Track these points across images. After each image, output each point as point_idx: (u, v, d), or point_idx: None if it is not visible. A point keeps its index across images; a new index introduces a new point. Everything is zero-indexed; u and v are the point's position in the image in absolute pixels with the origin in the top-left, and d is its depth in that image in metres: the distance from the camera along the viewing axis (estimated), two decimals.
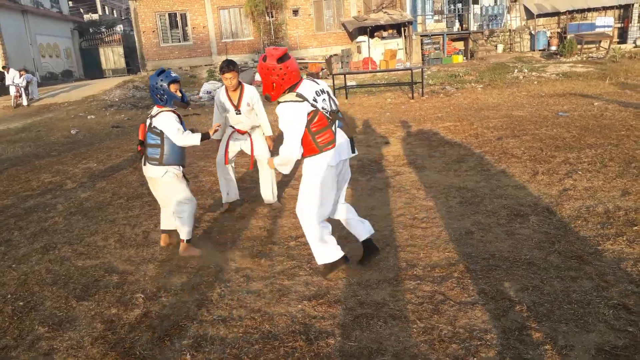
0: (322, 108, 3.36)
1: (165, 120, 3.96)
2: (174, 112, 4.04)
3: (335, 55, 23.00)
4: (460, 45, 23.75)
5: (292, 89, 3.32)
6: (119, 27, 32.44)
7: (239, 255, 4.11)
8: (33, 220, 5.52)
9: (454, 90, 14.83)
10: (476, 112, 10.33)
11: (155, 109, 4.09)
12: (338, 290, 3.37)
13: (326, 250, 3.54)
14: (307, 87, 3.36)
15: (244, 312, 3.19)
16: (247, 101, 4.95)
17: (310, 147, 3.35)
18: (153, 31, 23.87)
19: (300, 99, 3.26)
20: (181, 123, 4.05)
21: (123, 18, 40.77)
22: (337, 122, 3.48)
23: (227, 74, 4.77)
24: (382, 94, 15.33)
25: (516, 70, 17.72)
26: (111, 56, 31.02)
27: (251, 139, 5.16)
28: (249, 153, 5.20)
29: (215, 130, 4.31)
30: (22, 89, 18.82)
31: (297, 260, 3.92)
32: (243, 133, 5.15)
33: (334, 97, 3.57)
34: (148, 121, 4.09)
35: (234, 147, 5.21)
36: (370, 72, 18.15)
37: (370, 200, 5.26)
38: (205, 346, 2.83)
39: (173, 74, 4.00)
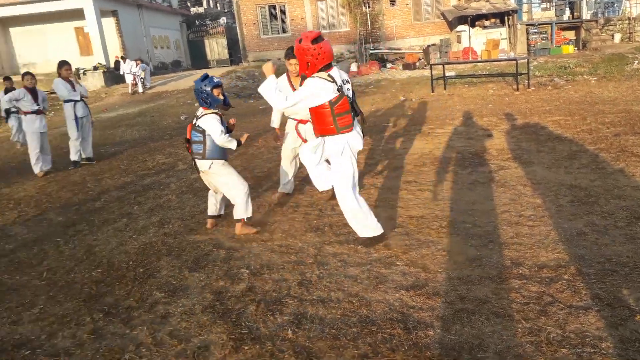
0: (347, 95, 3.69)
1: (209, 121, 4.28)
2: (217, 113, 4.34)
3: (433, 45, 22.39)
4: (570, 34, 22.05)
5: (325, 68, 3.62)
6: (223, 20, 34.00)
7: (336, 241, 4.19)
8: (150, 196, 6.03)
9: (563, 83, 13.84)
10: (589, 107, 9.57)
11: (200, 110, 4.40)
12: (437, 283, 3.33)
13: (367, 224, 3.91)
14: (337, 73, 3.69)
15: (342, 295, 3.26)
16: None
17: (329, 127, 3.70)
18: (254, 23, 24.78)
19: (331, 80, 3.59)
20: (222, 123, 4.34)
21: (226, 11, 42.65)
22: (355, 112, 3.81)
23: (292, 59, 4.75)
24: (483, 85, 14.70)
25: (636, 61, 16.12)
26: (215, 47, 32.69)
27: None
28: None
29: (248, 137, 4.49)
30: (138, 78, 20.47)
31: (394, 249, 3.92)
32: (305, 123, 5.00)
33: (353, 90, 3.90)
34: (194, 121, 4.41)
35: (305, 137, 5.02)
36: (471, 62, 17.48)
37: (471, 194, 5.10)
38: (306, 324, 2.94)
39: (216, 80, 4.30)
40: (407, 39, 23.82)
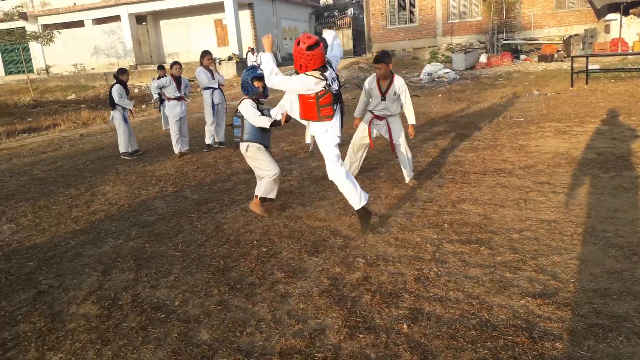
0: (333, 90, 4.13)
1: (244, 106, 4.80)
2: (252, 99, 4.84)
3: (575, 35, 20.45)
4: None
5: (320, 70, 4.04)
6: (350, 11, 34.30)
7: (456, 239, 4.04)
8: None
9: None
10: None
11: (240, 98, 4.94)
12: (568, 293, 3.06)
13: (360, 196, 4.26)
14: (330, 73, 4.12)
15: (461, 295, 3.13)
16: (394, 90, 5.41)
17: (312, 114, 4.18)
18: (382, 13, 24.65)
19: (322, 79, 4.02)
20: (258, 108, 4.82)
21: (354, 2, 42.99)
22: (338, 104, 4.26)
23: (378, 64, 5.31)
24: (633, 81, 13.11)
25: None
26: (341, 38, 33.07)
27: (389, 126, 5.58)
28: (387, 137, 5.67)
29: (286, 119, 4.64)
30: None
31: (521, 254, 3.67)
32: (381, 119, 5.59)
33: (339, 82, 4.32)
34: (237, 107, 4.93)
35: (373, 133, 5.66)
36: (621, 54, 15.65)
37: (613, 200, 4.59)
38: (422, 320, 2.87)
39: (258, 72, 4.81)
40: (546, 29, 22.04)
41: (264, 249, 4.15)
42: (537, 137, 7.62)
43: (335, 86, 4.20)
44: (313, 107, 4.15)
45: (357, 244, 4.11)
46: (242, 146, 4.93)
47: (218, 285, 3.55)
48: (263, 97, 4.93)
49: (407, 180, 5.71)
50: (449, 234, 4.16)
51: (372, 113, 5.61)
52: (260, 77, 4.73)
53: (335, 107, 4.23)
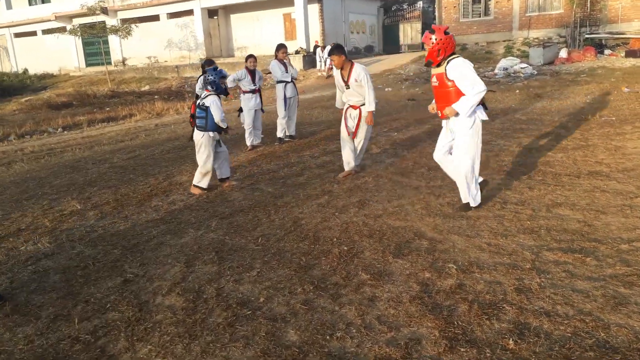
0: None
1: (214, 102, 5.56)
2: (217, 95, 5.66)
3: None
4: None
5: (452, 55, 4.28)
6: (419, 4, 33.50)
7: (556, 247, 3.70)
8: (347, 177, 6.16)
9: None
10: None
11: (204, 93, 5.71)
12: None
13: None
14: None
15: (572, 311, 2.83)
16: (354, 77, 5.75)
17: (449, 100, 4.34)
18: (454, 6, 23.83)
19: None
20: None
21: None
22: None
23: (330, 57, 5.85)
24: None
25: None
26: (409, 32, 32.51)
27: (360, 115, 5.93)
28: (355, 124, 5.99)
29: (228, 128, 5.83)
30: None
31: (634, 267, 3.30)
32: (355, 108, 5.93)
33: None
34: (198, 101, 5.72)
35: (350, 122, 6.03)
36: None
37: None
38: (530, 336, 2.61)
39: (223, 72, 5.75)
40: (635, 22, 20.41)
41: (345, 248, 4.00)
42: (633, 137, 7.00)
43: None
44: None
45: (445, 247, 3.87)
46: (199, 134, 5.68)
47: (302, 283, 3.44)
48: (225, 94, 5.81)
49: (347, 168, 6.15)
50: (547, 240, 3.83)
51: (347, 104, 6.01)
52: (225, 76, 5.74)
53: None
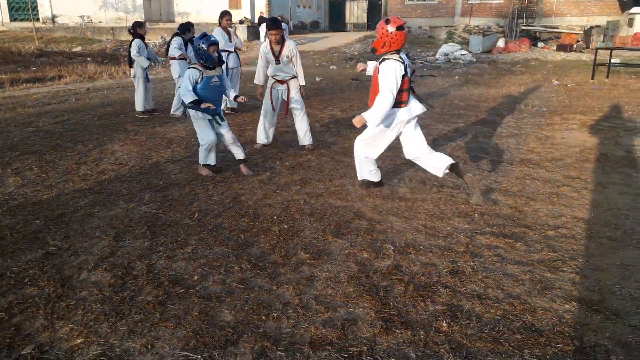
0: (409, 75, 4.24)
1: (187, 73, 4.92)
2: (197, 69, 4.92)
3: (597, 26, 19.97)
4: None
5: (397, 52, 4.18)
6: None
7: (489, 231, 3.83)
8: (290, 154, 6.08)
9: None
10: None
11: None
12: (616, 301, 2.86)
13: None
14: (404, 57, 4.24)
15: (502, 294, 2.94)
16: (286, 53, 5.82)
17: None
18: None
19: (401, 61, 4.14)
20: (201, 79, 4.93)
21: None
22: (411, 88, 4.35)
23: (272, 30, 5.69)
24: None
25: None
26: (355, 10, 32.42)
27: (288, 87, 6.01)
28: (285, 99, 6.08)
29: (208, 106, 4.91)
30: None
31: (560, 253, 3.47)
32: (282, 83, 6.01)
33: (413, 70, 4.50)
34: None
35: (276, 96, 6.09)
36: None
37: None
38: (462, 319, 2.68)
39: (212, 39, 4.92)
40: (567, 18, 21.50)
41: (285, 226, 3.93)
42: (562, 128, 7.38)
43: (409, 70, 4.26)
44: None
45: (383, 228, 3.90)
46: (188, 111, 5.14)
47: (239, 262, 3.34)
48: (218, 65, 5.05)
49: (305, 143, 6.23)
50: (481, 225, 3.95)
51: (273, 78, 6.02)
52: (215, 43, 4.91)
53: (409, 93, 4.32)
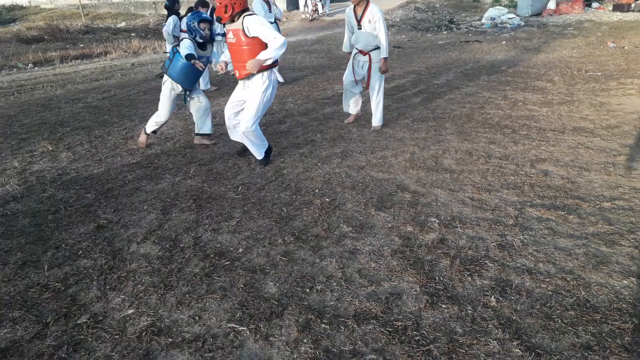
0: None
1: (182, 43, 4.88)
2: (193, 40, 4.88)
3: None
4: None
5: (243, 12, 4.14)
6: None
7: (539, 204, 3.68)
8: (331, 126, 6.01)
9: None
10: None
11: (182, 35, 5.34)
12: None
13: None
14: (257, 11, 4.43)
15: (553, 269, 2.82)
16: (368, 18, 5.20)
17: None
18: None
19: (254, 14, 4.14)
20: (200, 48, 4.94)
21: None
22: None
23: None
24: None
25: None
26: None
27: (370, 63, 5.42)
28: (366, 74, 5.54)
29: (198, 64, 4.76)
30: (320, 1, 20.72)
31: (617, 226, 3.30)
32: (364, 54, 5.42)
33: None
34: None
35: (359, 70, 5.57)
36: None
37: None
38: (511, 294, 2.60)
39: (204, 15, 4.84)
40: None
41: (327, 199, 3.91)
42: (618, 94, 6.94)
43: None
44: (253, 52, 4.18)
45: (427, 200, 3.82)
46: (164, 77, 5.11)
47: (282, 235, 3.36)
48: (209, 41, 4.96)
49: (373, 125, 5.76)
50: (531, 197, 3.80)
51: (355, 48, 5.49)
52: (206, 20, 4.80)
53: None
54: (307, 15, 21.41)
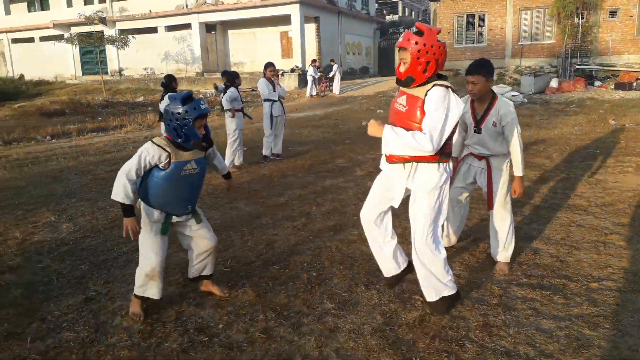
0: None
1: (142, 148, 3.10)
2: (160, 146, 3.04)
3: None
4: None
5: (440, 78, 2.89)
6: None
7: (526, 283, 3.66)
8: (328, 199, 6.12)
9: None
10: None
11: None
12: None
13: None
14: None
15: (532, 351, 2.78)
16: (493, 119, 3.62)
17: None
18: (449, 32, 24.15)
19: (453, 90, 2.84)
20: (158, 161, 3.08)
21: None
22: None
23: (471, 76, 3.55)
24: None
25: None
26: None
27: (489, 171, 3.81)
28: (484, 188, 3.89)
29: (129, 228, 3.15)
30: (336, 78, 21.88)
31: (601, 307, 3.26)
32: (480, 159, 3.88)
33: None
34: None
35: (466, 176, 4.01)
36: None
37: None
38: None
39: (202, 107, 2.97)
40: (625, 56, 20.78)
41: (314, 274, 3.94)
42: (615, 172, 7.02)
43: None
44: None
45: (414, 277, 3.80)
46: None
47: (264, 310, 3.37)
48: (201, 148, 3.16)
49: (496, 258, 3.95)
50: (518, 275, 3.79)
51: (468, 148, 3.96)
52: (203, 116, 2.99)
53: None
54: (313, 94, 22.33)
